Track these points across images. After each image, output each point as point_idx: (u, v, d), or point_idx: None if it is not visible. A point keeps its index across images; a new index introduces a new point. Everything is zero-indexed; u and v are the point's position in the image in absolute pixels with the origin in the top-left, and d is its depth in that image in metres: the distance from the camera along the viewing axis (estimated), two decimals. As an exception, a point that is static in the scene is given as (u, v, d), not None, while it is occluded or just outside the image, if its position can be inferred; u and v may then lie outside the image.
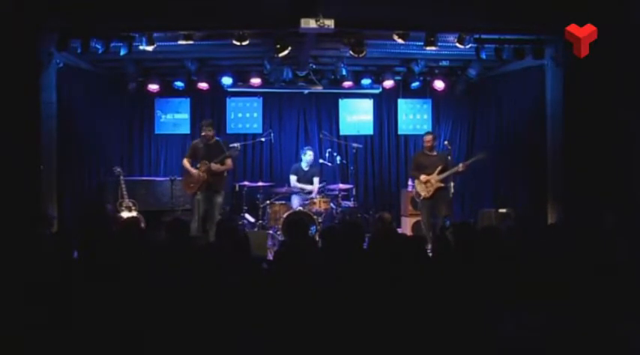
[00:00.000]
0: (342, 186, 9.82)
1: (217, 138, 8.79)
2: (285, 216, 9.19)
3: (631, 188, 7.82)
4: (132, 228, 5.90)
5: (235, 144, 8.83)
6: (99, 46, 7.98)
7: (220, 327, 3.26)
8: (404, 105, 11.45)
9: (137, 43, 8.15)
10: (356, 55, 8.48)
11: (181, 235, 5.21)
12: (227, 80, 10.46)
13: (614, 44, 7.47)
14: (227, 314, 3.34)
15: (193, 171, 8.55)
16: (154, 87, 10.53)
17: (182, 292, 3.53)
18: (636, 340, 2.85)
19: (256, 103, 11.25)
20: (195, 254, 4.15)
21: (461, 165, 8.80)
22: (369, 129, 11.45)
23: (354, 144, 10.41)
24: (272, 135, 10.24)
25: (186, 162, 8.71)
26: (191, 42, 8.11)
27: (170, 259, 4.37)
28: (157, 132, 11.18)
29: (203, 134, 8.69)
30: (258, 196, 9.69)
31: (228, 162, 8.70)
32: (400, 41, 8.17)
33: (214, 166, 8.48)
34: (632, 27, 7.57)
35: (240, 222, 9.35)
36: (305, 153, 10.09)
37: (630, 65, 7.73)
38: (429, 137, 9.06)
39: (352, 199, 10.02)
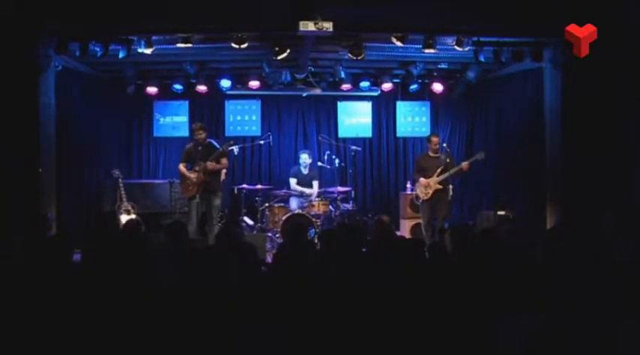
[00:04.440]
0: (340, 188, 9.82)
1: (210, 140, 8.79)
2: (283, 218, 9.20)
3: (630, 190, 7.82)
4: (133, 231, 5.90)
5: (236, 154, 8.87)
6: (97, 49, 7.98)
7: (220, 330, 3.26)
8: (402, 107, 11.45)
9: (136, 46, 8.13)
10: (354, 58, 8.48)
11: (181, 238, 5.21)
12: (226, 83, 10.46)
13: (613, 44, 7.47)
14: (226, 316, 3.33)
15: (190, 174, 8.55)
16: (152, 90, 10.52)
17: (183, 294, 3.53)
18: (636, 340, 2.85)
19: (255, 106, 11.25)
20: (195, 256, 4.15)
21: (464, 164, 8.83)
22: (367, 132, 11.45)
23: (353, 147, 10.43)
24: (271, 137, 10.25)
25: (182, 167, 8.71)
26: (190, 45, 8.10)
27: (171, 261, 4.37)
28: (155, 134, 11.18)
29: (196, 138, 8.69)
30: (257, 199, 9.70)
31: (224, 160, 8.71)
32: (399, 44, 8.17)
33: (210, 165, 8.47)
34: (632, 27, 7.56)
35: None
36: (300, 157, 10.13)
37: (629, 66, 7.73)
38: (437, 139, 9.09)
39: (351, 202, 10.03)
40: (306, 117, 11.45)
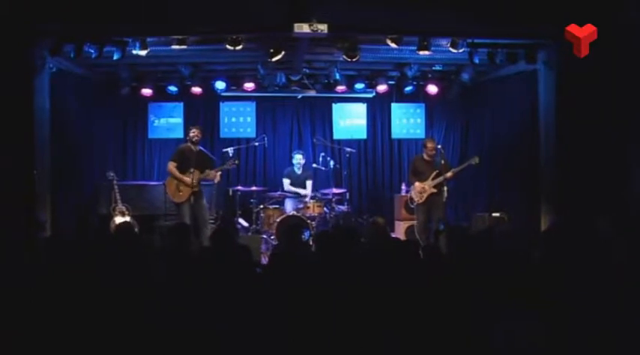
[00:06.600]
0: (335, 190, 9.83)
1: (200, 148, 8.80)
2: (278, 220, 9.19)
3: (625, 191, 7.83)
4: (126, 233, 5.89)
5: (232, 156, 8.97)
6: (92, 51, 7.96)
7: (217, 330, 3.26)
8: (397, 109, 11.46)
9: (130, 48, 8.12)
10: (349, 60, 8.48)
11: (185, 240, 5.20)
12: (220, 84, 10.45)
13: (612, 45, 7.47)
14: (223, 317, 3.33)
15: (186, 179, 8.51)
16: (147, 91, 10.52)
17: (182, 296, 3.53)
18: (633, 342, 2.86)
19: (250, 108, 11.25)
20: (195, 258, 4.15)
21: (449, 173, 8.84)
22: (362, 134, 11.46)
23: (348, 149, 10.43)
24: (265, 139, 10.24)
25: (173, 169, 8.67)
26: (184, 46, 8.09)
27: (174, 264, 4.36)
28: (150, 136, 11.18)
29: (191, 137, 8.68)
30: (252, 201, 9.70)
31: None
32: (393, 45, 8.17)
33: (213, 174, 8.64)
34: (632, 27, 7.57)
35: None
36: (294, 157, 10.13)
37: (627, 67, 7.73)
38: (432, 145, 9.08)
39: (346, 203, 10.02)
40: (301, 119, 11.46)
